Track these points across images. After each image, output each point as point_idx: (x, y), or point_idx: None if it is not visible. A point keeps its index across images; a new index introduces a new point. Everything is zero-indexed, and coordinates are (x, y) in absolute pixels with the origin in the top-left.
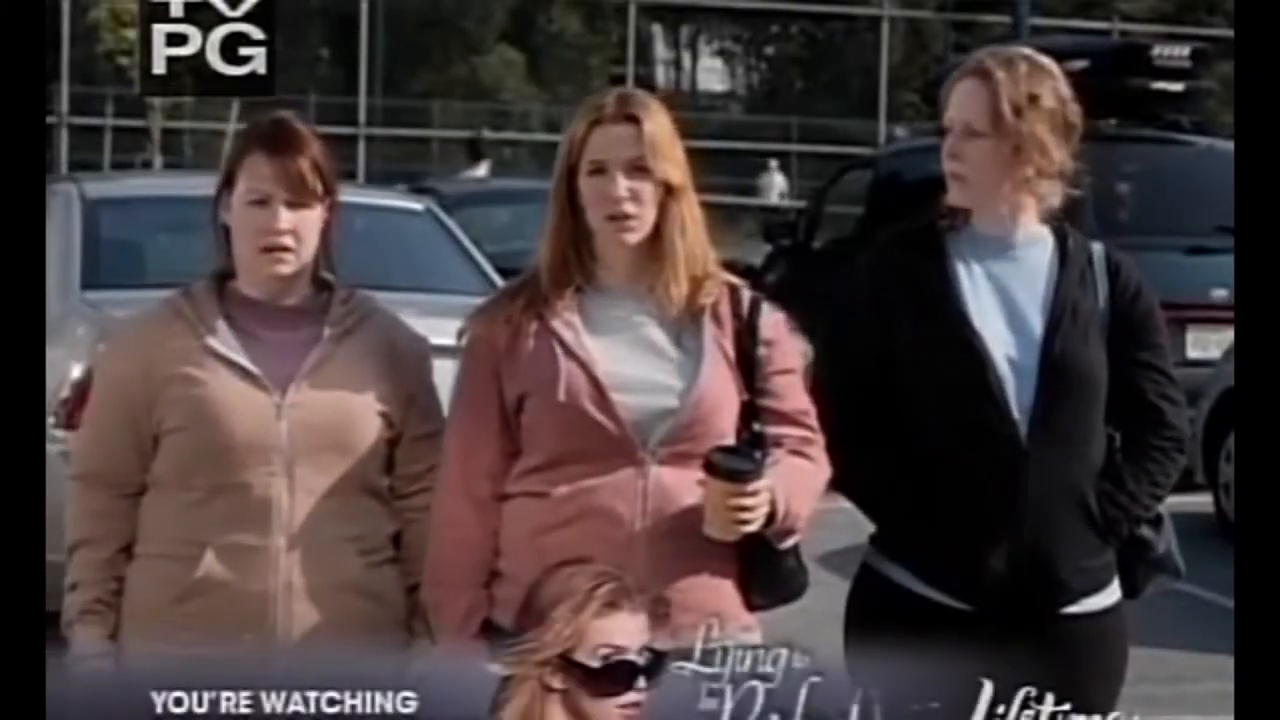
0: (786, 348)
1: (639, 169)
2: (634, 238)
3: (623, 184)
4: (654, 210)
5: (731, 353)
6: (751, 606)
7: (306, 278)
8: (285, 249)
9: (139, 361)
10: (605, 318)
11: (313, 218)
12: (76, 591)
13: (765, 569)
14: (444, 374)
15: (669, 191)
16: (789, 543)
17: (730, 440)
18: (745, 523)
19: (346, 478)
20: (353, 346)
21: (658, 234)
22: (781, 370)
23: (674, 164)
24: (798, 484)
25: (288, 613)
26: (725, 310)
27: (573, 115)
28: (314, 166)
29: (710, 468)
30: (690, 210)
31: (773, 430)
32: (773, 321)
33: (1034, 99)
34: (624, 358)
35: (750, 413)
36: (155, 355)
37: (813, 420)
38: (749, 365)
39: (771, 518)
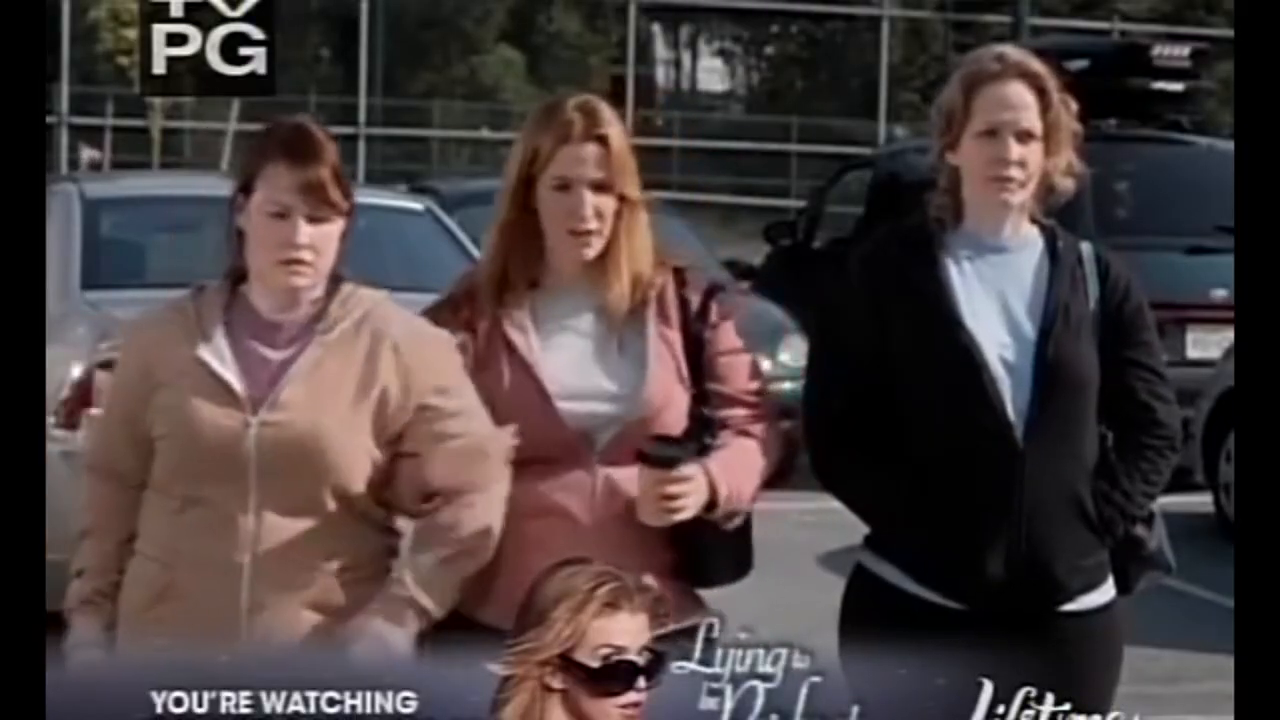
0: (731, 328)
1: (602, 187)
2: (593, 252)
3: (589, 202)
4: (611, 223)
5: (679, 341)
6: (698, 587)
7: (320, 287)
8: (303, 262)
9: (139, 363)
10: (553, 320)
11: (333, 230)
12: (79, 580)
13: (712, 553)
14: None
15: (622, 201)
16: (735, 523)
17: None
18: (676, 510)
19: (323, 496)
20: (340, 358)
21: (609, 242)
22: (726, 351)
23: (631, 176)
24: (740, 465)
25: (252, 629)
26: (671, 297)
27: (529, 120)
28: (335, 176)
29: (642, 457)
30: (639, 216)
31: (719, 412)
32: (721, 305)
33: (1059, 94)
34: (571, 364)
35: (699, 396)
36: (153, 358)
37: (759, 398)
38: (698, 349)
39: (713, 502)
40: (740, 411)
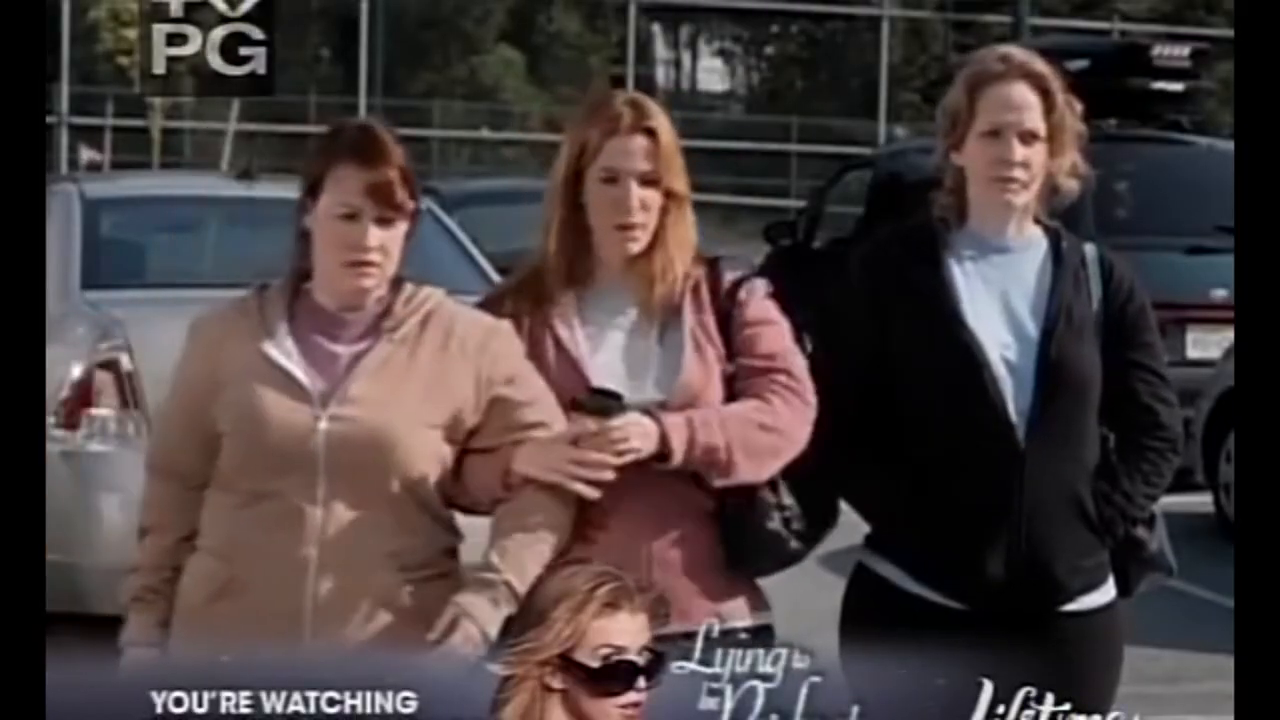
0: (759, 303)
1: (650, 180)
2: (638, 246)
3: (636, 195)
4: (656, 218)
5: (713, 325)
6: (734, 571)
7: (385, 287)
8: (372, 264)
9: (204, 360)
10: (599, 315)
11: (400, 233)
12: (134, 576)
13: (737, 531)
14: None
15: (669, 196)
16: (723, 479)
17: None
18: (619, 454)
19: (391, 492)
20: (408, 355)
21: (654, 237)
22: (750, 322)
23: (678, 173)
24: (722, 420)
25: (316, 624)
26: (704, 288)
27: (576, 114)
28: (403, 178)
29: (575, 405)
30: (686, 212)
31: (741, 384)
32: (751, 286)
33: (1063, 95)
34: (616, 361)
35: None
36: (218, 355)
37: (785, 364)
38: (728, 328)
39: (667, 453)
40: (759, 379)
